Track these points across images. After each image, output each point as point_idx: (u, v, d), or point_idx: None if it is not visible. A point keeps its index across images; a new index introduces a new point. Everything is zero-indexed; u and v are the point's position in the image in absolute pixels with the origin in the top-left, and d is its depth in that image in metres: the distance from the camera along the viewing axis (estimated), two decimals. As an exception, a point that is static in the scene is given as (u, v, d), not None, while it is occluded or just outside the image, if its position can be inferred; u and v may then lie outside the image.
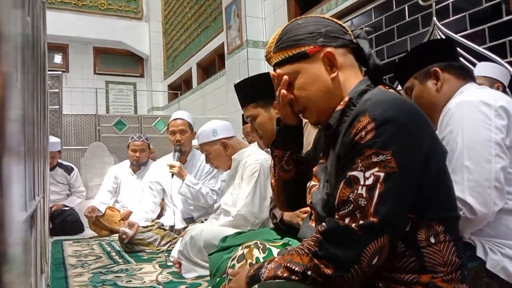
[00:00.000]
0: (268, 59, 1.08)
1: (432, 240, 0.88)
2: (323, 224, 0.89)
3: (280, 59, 1.03)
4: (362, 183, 0.84)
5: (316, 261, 0.85)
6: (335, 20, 1.05)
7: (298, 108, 1.07)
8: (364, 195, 0.84)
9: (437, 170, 0.90)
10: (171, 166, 2.91)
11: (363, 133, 0.86)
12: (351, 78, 1.02)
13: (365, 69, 1.06)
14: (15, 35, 0.54)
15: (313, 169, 1.13)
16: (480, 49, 2.91)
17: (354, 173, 0.86)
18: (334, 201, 0.90)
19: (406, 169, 0.84)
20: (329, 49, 0.99)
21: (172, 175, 2.93)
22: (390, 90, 0.98)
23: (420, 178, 0.87)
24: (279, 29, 1.07)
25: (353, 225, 0.83)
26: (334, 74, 1.00)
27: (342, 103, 0.99)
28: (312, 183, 1.11)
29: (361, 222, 0.83)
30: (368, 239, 0.83)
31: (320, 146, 1.13)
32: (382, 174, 0.83)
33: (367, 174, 0.84)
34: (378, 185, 0.83)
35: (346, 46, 1.02)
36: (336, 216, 0.87)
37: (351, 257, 0.83)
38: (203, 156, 3.19)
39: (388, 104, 0.87)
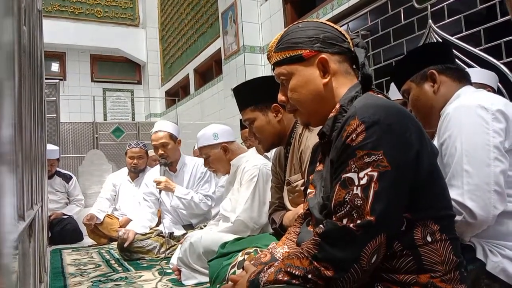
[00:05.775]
0: (268, 57, 1.12)
1: (429, 239, 0.89)
2: (321, 226, 0.90)
3: (279, 59, 1.07)
4: (356, 183, 0.86)
5: (316, 263, 0.86)
6: (336, 27, 1.07)
7: (290, 109, 1.10)
8: (360, 194, 0.85)
9: (429, 168, 0.91)
10: (158, 183, 2.90)
11: (354, 135, 0.88)
12: (343, 85, 1.04)
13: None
14: (10, 44, 0.54)
15: (310, 178, 1.14)
16: (476, 50, 2.92)
17: (348, 174, 0.88)
18: (331, 204, 0.91)
19: (399, 167, 0.86)
20: (324, 55, 1.02)
21: (160, 191, 2.92)
22: (379, 95, 1.02)
23: (413, 175, 0.88)
24: (282, 31, 1.10)
25: (351, 225, 0.85)
26: (326, 80, 1.03)
27: (334, 110, 1.02)
28: (309, 190, 1.12)
29: (358, 221, 0.84)
30: (366, 238, 0.84)
31: (317, 156, 1.15)
32: (375, 174, 0.85)
33: (361, 174, 0.86)
34: (373, 184, 0.85)
35: (342, 54, 1.05)
36: (334, 218, 0.88)
37: (350, 257, 0.84)
38: (194, 162, 3.18)
39: (376, 107, 0.90)
